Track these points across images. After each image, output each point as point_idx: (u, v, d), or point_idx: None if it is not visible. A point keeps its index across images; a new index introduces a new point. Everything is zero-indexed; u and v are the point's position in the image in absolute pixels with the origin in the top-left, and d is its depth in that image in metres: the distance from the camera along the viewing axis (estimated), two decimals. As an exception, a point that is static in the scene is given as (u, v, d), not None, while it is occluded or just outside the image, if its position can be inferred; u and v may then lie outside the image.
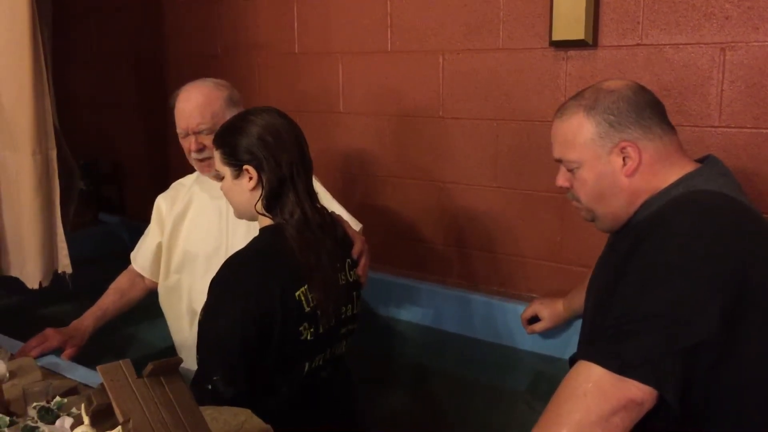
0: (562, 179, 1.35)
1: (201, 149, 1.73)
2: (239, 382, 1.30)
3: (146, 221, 1.96)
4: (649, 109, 1.26)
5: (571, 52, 1.91)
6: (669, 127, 1.28)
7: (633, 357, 1.02)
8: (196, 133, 1.72)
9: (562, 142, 1.32)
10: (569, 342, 1.85)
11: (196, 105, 1.73)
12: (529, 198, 2.06)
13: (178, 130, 1.76)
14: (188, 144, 1.75)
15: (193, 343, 1.41)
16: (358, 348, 1.60)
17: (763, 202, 1.67)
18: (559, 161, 1.34)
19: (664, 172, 1.25)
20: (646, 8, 1.77)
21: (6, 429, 1.15)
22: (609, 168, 1.26)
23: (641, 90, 1.29)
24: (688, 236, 1.12)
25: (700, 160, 1.30)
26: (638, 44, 1.80)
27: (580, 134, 1.27)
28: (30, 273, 2.04)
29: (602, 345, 1.07)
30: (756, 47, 1.66)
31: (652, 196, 1.25)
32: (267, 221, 1.41)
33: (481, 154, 2.12)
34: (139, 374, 0.88)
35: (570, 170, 1.32)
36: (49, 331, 1.69)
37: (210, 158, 1.70)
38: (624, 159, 1.25)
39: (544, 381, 1.89)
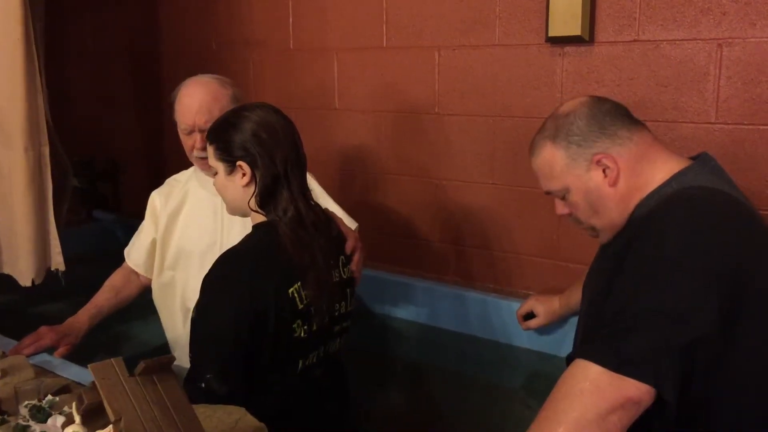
0: (560, 208, 1.38)
1: (206, 147, 1.71)
2: (232, 380, 1.29)
3: (141, 219, 1.95)
4: (609, 117, 1.28)
5: (568, 48, 1.90)
6: (635, 125, 1.30)
7: (631, 355, 1.02)
8: (202, 131, 1.70)
9: (543, 176, 1.36)
10: (565, 339, 1.84)
11: (203, 102, 1.70)
12: (525, 195, 2.05)
13: (182, 127, 1.74)
14: (192, 141, 1.73)
15: (186, 340, 1.41)
16: (354, 346, 1.59)
17: (759, 199, 1.66)
18: (549, 193, 1.37)
19: (648, 169, 1.26)
20: (642, 4, 1.77)
21: (-3, 428, 1.14)
22: (592, 183, 1.28)
23: (596, 102, 1.31)
24: (683, 232, 1.12)
25: (694, 158, 1.30)
26: (635, 40, 1.79)
27: (555, 164, 1.31)
28: (22, 270, 2.03)
29: (599, 343, 1.06)
30: (753, 43, 1.65)
31: (644, 196, 1.25)
32: (260, 218, 1.40)
33: (477, 150, 2.12)
34: (131, 372, 0.87)
35: (562, 198, 1.34)
36: (43, 329, 1.68)
37: None
38: (603, 170, 1.27)
39: (541, 378, 1.89)
